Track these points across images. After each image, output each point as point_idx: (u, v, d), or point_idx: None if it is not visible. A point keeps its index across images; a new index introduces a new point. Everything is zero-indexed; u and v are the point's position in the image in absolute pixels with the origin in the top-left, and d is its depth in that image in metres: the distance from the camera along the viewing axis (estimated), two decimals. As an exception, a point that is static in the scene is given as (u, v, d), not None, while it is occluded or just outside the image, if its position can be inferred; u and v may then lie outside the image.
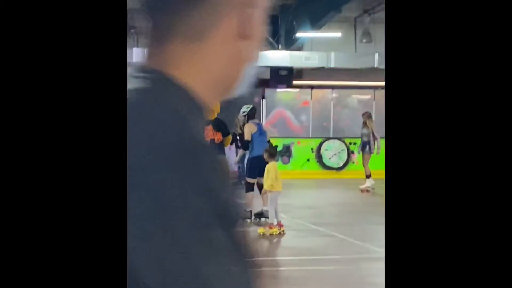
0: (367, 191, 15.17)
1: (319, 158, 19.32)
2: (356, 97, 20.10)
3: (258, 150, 10.03)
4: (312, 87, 19.20)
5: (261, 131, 10.43)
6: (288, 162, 18.96)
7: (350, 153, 18.92)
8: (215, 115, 10.31)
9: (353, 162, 18.72)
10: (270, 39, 18.88)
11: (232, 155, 11.53)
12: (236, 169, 11.75)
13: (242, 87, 1.01)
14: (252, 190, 10.19)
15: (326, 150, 19.28)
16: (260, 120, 17.07)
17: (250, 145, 10.29)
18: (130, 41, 18.63)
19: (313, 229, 10.43)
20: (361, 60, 17.61)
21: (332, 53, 17.75)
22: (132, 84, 0.94)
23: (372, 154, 15.50)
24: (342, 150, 19.27)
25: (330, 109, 19.88)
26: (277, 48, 18.79)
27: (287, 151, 18.92)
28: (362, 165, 15.91)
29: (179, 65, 0.95)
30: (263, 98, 19.79)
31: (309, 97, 19.53)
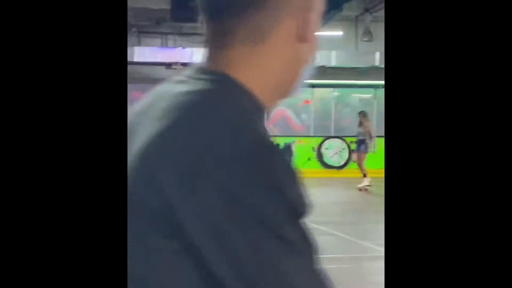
0: (365, 189, 15.16)
1: (320, 157, 19.29)
2: (357, 95, 20.07)
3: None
4: (313, 85, 19.17)
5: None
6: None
7: (351, 152, 18.90)
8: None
9: (354, 161, 18.69)
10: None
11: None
12: None
13: (298, 88, 1.03)
14: None
15: (327, 149, 19.25)
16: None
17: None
18: (132, 40, 18.60)
19: (314, 228, 10.41)
20: (362, 58, 17.58)
21: (333, 52, 17.71)
22: (193, 85, 0.95)
23: (368, 153, 15.50)
24: (343, 149, 19.24)
25: (331, 108, 19.85)
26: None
27: (288, 150, 18.89)
28: (357, 164, 15.92)
29: (240, 67, 0.97)
30: (264, 96, 19.71)
31: (310, 95, 19.50)
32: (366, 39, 17.43)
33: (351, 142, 18.54)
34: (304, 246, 0.88)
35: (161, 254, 0.89)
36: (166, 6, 17.04)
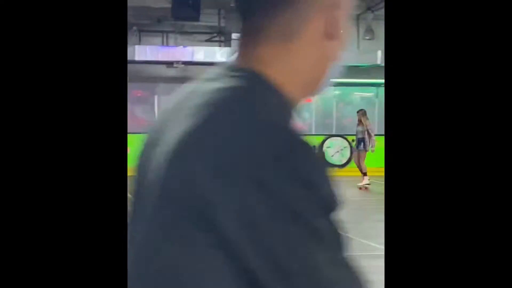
0: (366, 188, 15.17)
1: (322, 155, 19.30)
2: (359, 94, 20.08)
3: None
4: (314, 84, 19.13)
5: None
6: (291, 159, 18.90)
7: (352, 150, 18.91)
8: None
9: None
10: (273, 36, 18.84)
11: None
12: None
13: (326, 86, 1.05)
14: None
15: (328, 147, 19.26)
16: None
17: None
18: (132, 39, 18.61)
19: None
20: (364, 57, 17.58)
21: (335, 50, 17.67)
22: (225, 82, 0.96)
23: (367, 152, 15.52)
24: (344, 147, 19.25)
25: (333, 106, 19.86)
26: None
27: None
28: (354, 163, 15.94)
29: (270, 65, 0.98)
30: (265, 95, 19.73)
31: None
32: (368, 37, 17.43)
33: (353, 140, 18.56)
34: (336, 241, 0.91)
35: (195, 248, 0.89)
36: (167, 4, 17.06)
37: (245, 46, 1.01)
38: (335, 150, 19.27)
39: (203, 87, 0.98)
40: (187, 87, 1.05)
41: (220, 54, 18.02)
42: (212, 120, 0.92)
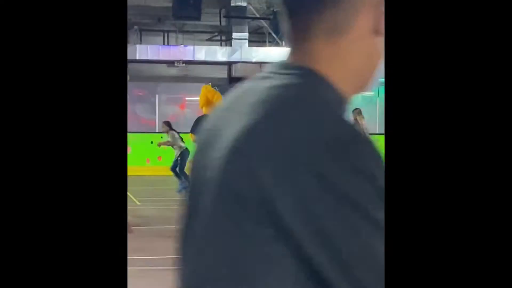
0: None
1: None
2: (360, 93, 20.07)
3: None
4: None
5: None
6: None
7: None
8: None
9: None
10: (274, 35, 18.87)
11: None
12: None
13: (374, 83, 1.06)
14: None
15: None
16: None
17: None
18: (133, 38, 18.63)
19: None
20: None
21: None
22: (280, 80, 0.98)
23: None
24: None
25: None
26: (281, 45, 18.78)
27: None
28: None
29: (322, 61, 1.00)
30: (266, 94, 19.76)
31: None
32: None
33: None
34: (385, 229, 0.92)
35: (256, 241, 0.91)
36: (168, 4, 17.08)
37: (296, 43, 1.02)
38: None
39: (258, 86, 1.00)
40: (240, 87, 1.06)
41: (221, 54, 18.04)
42: (271, 116, 0.93)
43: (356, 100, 19.95)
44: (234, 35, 18.13)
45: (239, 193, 0.91)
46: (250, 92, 1.00)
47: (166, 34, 19.59)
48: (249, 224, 0.90)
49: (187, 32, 19.70)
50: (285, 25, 1.03)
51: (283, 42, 18.87)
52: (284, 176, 0.88)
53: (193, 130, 10.37)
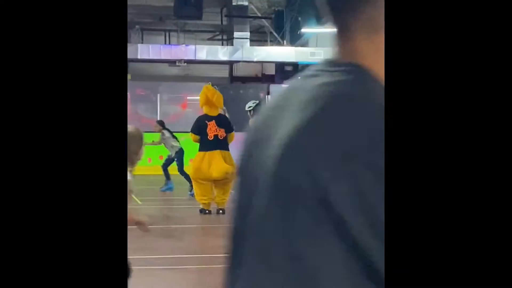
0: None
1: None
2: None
3: (261, 146, 9.96)
4: (317, 82, 19.17)
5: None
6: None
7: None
8: (219, 111, 10.28)
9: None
10: (276, 34, 18.89)
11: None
12: None
13: None
14: None
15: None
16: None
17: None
18: (135, 38, 18.66)
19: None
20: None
21: (337, 49, 17.73)
22: (330, 77, 1.00)
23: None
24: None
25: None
26: (283, 44, 18.80)
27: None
28: None
29: (366, 57, 1.01)
30: (268, 94, 19.81)
31: (314, 92, 19.53)
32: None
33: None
34: None
35: (314, 236, 0.91)
36: (169, 3, 17.10)
37: (341, 40, 1.04)
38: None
39: (308, 83, 1.02)
40: (288, 85, 1.08)
41: (223, 53, 18.06)
42: (326, 111, 0.95)
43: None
44: (236, 34, 18.14)
45: (296, 188, 0.92)
46: (301, 90, 1.02)
47: (167, 34, 19.62)
48: (308, 220, 0.91)
49: (189, 31, 19.73)
50: (330, 23, 1.05)
51: (284, 41, 18.89)
52: (341, 170, 0.90)
53: (193, 130, 10.35)
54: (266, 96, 19.60)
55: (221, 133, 10.10)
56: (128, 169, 3.76)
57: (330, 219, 0.90)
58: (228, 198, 10.28)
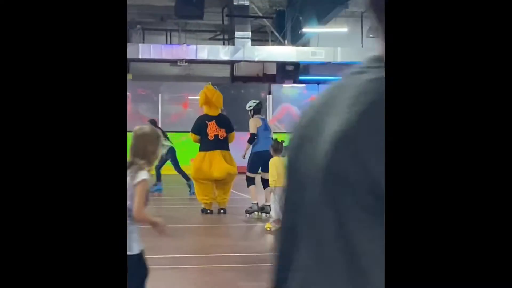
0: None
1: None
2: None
3: (261, 145, 9.96)
4: (318, 82, 19.19)
5: (265, 127, 10.36)
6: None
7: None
8: (219, 111, 10.27)
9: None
10: (277, 34, 18.88)
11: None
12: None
13: None
14: (254, 183, 10.15)
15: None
16: (266, 115, 17.07)
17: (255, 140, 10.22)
18: (136, 37, 18.65)
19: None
20: (368, 55, 17.59)
21: (339, 48, 17.73)
22: (376, 73, 1.01)
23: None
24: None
25: (336, 105, 19.86)
26: (284, 44, 18.79)
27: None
28: None
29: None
30: (269, 93, 19.80)
31: (316, 92, 19.54)
32: (371, 35, 17.45)
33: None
34: None
35: (366, 227, 0.93)
36: (170, 3, 17.09)
37: (382, 39, 1.05)
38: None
39: (355, 80, 1.04)
40: (334, 84, 1.11)
41: (224, 53, 18.05)
42: (375, 106, 0.96)
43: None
44: (237, 34, 18.13)
45: (348, 180, 0.94)
46: (349, 86, 1.04)
47: (168, 33, 19.61)
48: (358, 211, 0.93)
49: (190, 31, 19.71)
50: (374, 21, 1.07)
51: (285, 41, 18.89)
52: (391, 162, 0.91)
53: (193, 130, 10.33)
54: (267, 95, 19.60)
55: (222, 133, 10.09)
56: (146, 168, 3.77)
57: (381, 213, 0.91)
58: (229, 197, 10.28)
